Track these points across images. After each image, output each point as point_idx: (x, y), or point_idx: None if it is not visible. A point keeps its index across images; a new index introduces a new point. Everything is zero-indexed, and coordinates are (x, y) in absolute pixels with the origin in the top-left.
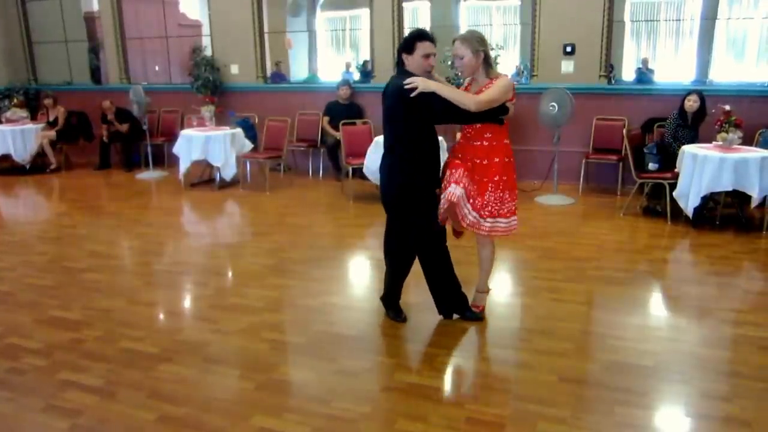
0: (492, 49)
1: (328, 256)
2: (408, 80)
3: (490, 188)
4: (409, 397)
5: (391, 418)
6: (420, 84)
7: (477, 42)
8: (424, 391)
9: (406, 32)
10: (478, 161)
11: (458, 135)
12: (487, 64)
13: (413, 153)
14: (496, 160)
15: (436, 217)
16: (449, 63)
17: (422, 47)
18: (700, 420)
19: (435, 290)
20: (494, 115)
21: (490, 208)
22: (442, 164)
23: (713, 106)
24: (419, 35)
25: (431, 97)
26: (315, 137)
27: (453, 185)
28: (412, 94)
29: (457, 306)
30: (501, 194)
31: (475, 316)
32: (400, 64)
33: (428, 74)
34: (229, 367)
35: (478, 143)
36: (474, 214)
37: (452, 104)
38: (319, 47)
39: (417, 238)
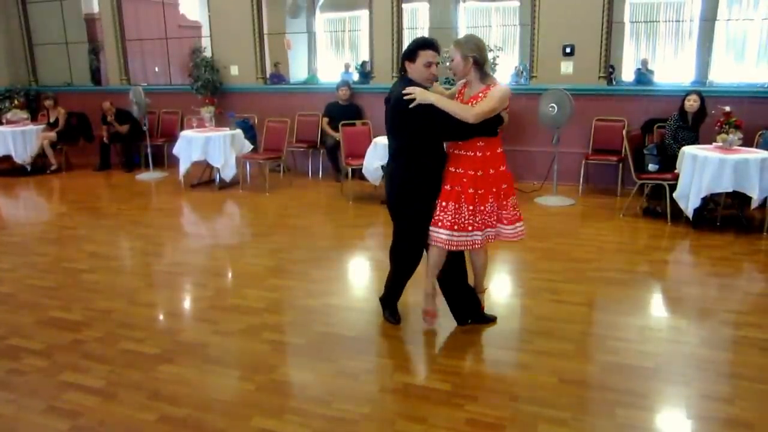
0: (491, 50)
1: (327, 256)
2: (407, 90)
3: (490, 199)
4: (409, 398)
5: (391, 420)
6: (418, 95)
7: (468, 47)
8: (424, 392)
9: (406, 33)
10: (472, 173)
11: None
12: (481, 70)
13: (417, 163)
14: (492, 171)
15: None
16: (447, 64)
17: (424, 56)
18: (701, 422)
19: (449, 297)
20: (491, 126)
21: (485, 217)
22: None
23: (713, 107)
24: (423, 43)
25: (429, 109)
26: (314, 138)
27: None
28: (411, 105)
29: (471, 312)
30: (503, 202)
31: (489, 318)
32: (402, 71)
33: (429, 83)
34: (229, 368)
35: (472, 154)
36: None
37: (450, 117)
38: (319, 48)
39: (420, 244)
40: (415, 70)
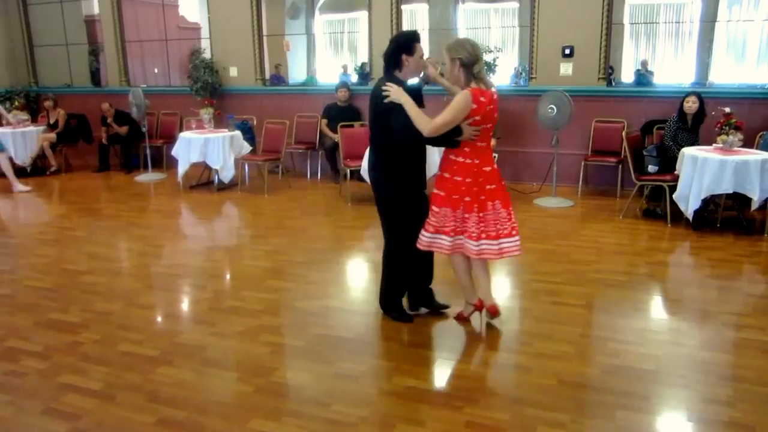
0: (490, 51)
1: (326, 258)
2: (387, 85)
3: (474, 208)
4: (407, 400)
5: (390, 422)
6: (393, 93)
7: (454, 49)
8: (423, 394)
9: None
10: (459, 179)
11: None
12: (468, 72)
13: (397, 157)
14: (458, 178)
15: (421, 219)
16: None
17: (419, 48)
18: (702, 425)
19: (411, 286)
20: (447, 139)
21: (467, 225)
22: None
23: (713, 109)
24: (415, 36)
25: (396, 109)
26: (313, 139)
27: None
28: (386, 100)
29: (424, 299)
30: (462, 214)
31: (442, 305)
32: (396, 65)
33: (420, 75)
34: (227, 370)
35: (462, 160)
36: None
37: (410, 123)
38: (318, 50)
39: (399, 237)
40: (413, 62)
